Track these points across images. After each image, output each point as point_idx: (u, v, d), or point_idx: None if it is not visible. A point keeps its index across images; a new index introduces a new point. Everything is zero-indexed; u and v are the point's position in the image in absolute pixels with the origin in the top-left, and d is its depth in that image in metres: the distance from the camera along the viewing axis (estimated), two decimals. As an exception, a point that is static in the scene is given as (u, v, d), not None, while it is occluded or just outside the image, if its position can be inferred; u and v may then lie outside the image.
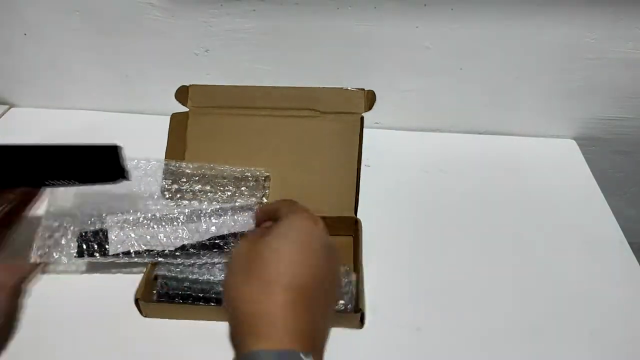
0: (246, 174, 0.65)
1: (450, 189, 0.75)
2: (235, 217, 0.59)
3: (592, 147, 0.88)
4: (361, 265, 0.59)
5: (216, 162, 0.65)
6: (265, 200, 0.65)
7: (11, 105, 0.93)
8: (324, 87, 0.67)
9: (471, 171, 0.78)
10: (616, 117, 0.84)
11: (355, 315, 0.53)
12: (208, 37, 0.78)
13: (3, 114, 0.91)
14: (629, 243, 0.67)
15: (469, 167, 0.79)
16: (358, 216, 0.64)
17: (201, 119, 0.68)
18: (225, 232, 0.58)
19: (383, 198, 0.71)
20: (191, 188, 0.65)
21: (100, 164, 0.50)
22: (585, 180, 0.79)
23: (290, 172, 0.66)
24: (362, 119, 0.66)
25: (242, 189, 0.65)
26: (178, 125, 0.68)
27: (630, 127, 0.85)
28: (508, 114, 0.86)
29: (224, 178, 0.65)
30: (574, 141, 0.87)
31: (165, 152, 0.67)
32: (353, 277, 0.57)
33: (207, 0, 0.74)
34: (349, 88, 0.66)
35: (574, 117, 0.85)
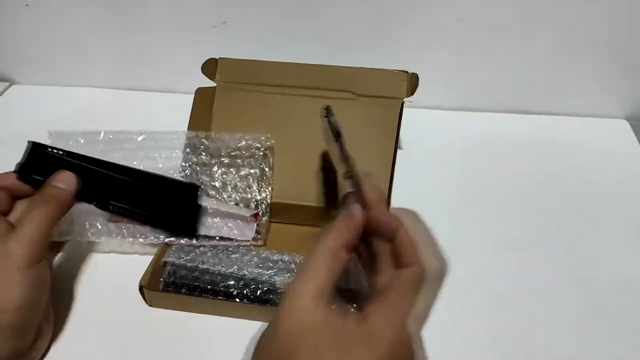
0: (246, 142, 0.61)
1: (492, 174, 0.71)
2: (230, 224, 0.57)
3: (646, 127, 0.82)
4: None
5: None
6: (267, 170, 0.61)
7: (12, 83, 0.90)
8: (362, 67, 0.62)
9: (514, 154, 0.74)
10: (672, 95, 0.79)
11: None
12: (226, 7, 0.75)
13: (3, 91, 0.88)
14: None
15: (512, 149, 0.75)
16: (391, 208, 0.59)
17: (230, 94, 0.64)
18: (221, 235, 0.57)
19: (417, 185, 0.67)
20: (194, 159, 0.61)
21: (178, 204, 0.54)
22: (638, 162, 0.74)
23: (322, 157, 0.62)
24: (402, 104, 0.62)
25: (238, 160, 0.61)
26: (203, 101, 0.64)
27: (688, 107, 0.80)
28: (554, 91, 0.81)
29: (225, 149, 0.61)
30: (626, 121, 0.82)
31: (187, 130, 0.63)
32: None
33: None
34: (392, 69, 0.62)
35: (627, 96, 0.80)
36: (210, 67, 0.65)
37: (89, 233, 0.55)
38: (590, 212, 0.65)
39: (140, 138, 0.59)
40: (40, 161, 0.48)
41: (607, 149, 0.76)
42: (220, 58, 0.65)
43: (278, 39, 0.77)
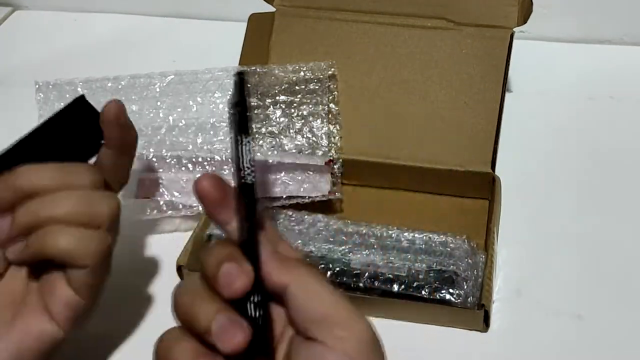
0: (304, 73, 0.55)
1: (625, 124, 0.63)
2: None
3: None
4: (495, 241, 0.49)
5: None
6: (334, 107, 0.55)
7: (15, 7, 0.84)
8: None
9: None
10: None
11: (477, 313, 0.44)
12: None
13: (5, 18, 0.82)
14: None
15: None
16: (496, 170, 0.54)
17: (292, 22, 0.58)
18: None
19: (529, 140, 0.60)
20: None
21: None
22: None
23: (408, 103, 0.55)
24: (512, 35, 0.55)
25: (298, 97, 0.55)
26: (258, 30, 0.58)
27: None
28: None
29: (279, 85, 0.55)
30: None
31: (240, 61, 0.58)
32: (482, 257, 0.48)
33: None
34: None
35: None
36: None
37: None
38: None
39: (166, 81, 0.52)
40: None
41: None
42: None
43: None
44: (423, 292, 0.44)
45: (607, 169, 0.58)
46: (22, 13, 0.84)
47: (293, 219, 0.50)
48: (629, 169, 0.58)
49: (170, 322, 0.28)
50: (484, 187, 0.54)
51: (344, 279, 0.45)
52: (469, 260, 0.46)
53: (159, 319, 0.46)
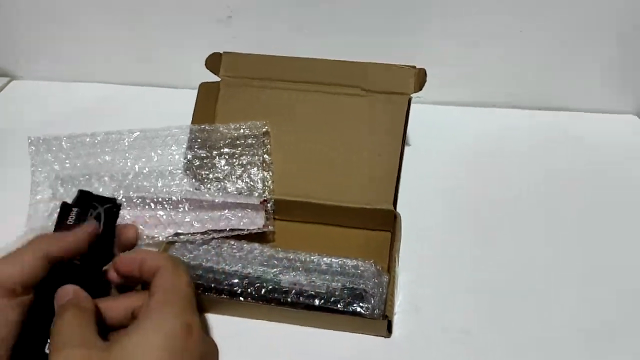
0: (243, 130, 0.62)
1: (502, 172, 0.70)
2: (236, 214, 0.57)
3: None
4: (397, 265, 0.55)
5: None
6: (267, 157, 0.61)
7: (12, 78, 0.90)
8: (371, 62, 0.62)
9: (526, 150, 0.74)
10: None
11: (382, 322, 0.49)
12: (232, 1, 0.75)
13: (3, 87, 0.87)
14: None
15: (524, 147, 0.75)
16: (397, 208, 0.59)
17: (234, 90, 0.64)
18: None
19: (426, 183, 0.67)
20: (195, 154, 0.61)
21: None
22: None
23: (328, 155, 0.62)
24: (409, 100, 0.61)
25: (238, 150, 0.61)
26: (207, 96, 0.64)
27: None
28: (565, 87, 0.81)
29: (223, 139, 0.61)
30: (636, 117, 0.83)
31: (192, 122, 0.64)
32: (385, 278, 0.53)
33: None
34: (400, 64, 0.61)
35: (637, 91, 0.81)
36: (214, 62, 0.64)
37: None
38: (604, 208, 0.65)
39: (132, 137, 0.58)
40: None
41: (618, 144, 0.76)
42: (224, 52, 0.64)
43: (284, 33, 0.77)
44: (339, 306, 0.48)
45: (488, 205, 0.65)
46: (18, 82, 0.89)
47: (235, 247, 0.55)
48: (508, 208, 0.64)
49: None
50: (388, 221, 0.59)
51: (275, 295, 0.50)
52: (375, 280, 0.51)
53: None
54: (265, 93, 0.64)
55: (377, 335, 0.50)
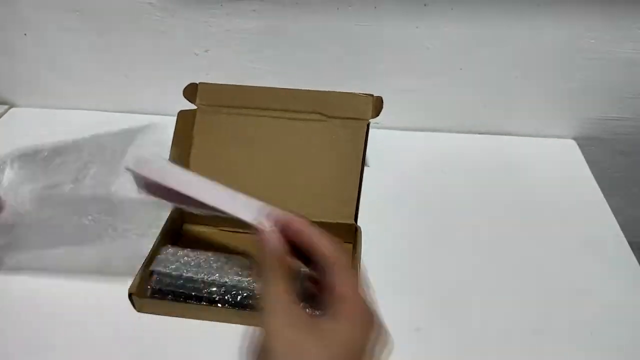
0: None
1: (450, 189, 0.75)
2: None
3: (592, 147, 0.87)
4: (359, 271, 0.59)
5: (221, 162, 0.65)
6: None
7: (11, 105, 0.93)
8: (332, 91, 0.66)
9: (471, 172, 0.78)
10: (616, 117, 0.84)
11: None
12: (208, 37, 0.78)
13: (3, 114, 0.91)
14: (629, 243, 0.67)
15: (470, 167, 0.79)
16: (358, 222, 0.64)
17: (209, 117, 0.67)
18: None
19: (382, 198, 0.71)
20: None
21: None
22: (585, 180, 0.78)
23: (293, 174, 0.66)
24: (368, 125, 0.65)
25: None
26: (185, 123, 0.67)
27: (630, 127, 0.85)
28: (508, 114, 0.86)
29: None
30: (574, 141, 0.87)
31: (170, 150, 0.66)
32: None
33: (207, 0, 0.74)
34: (358, 93, 0.66)
35: (574, 117, 0.85)
36: (191, 92, 0.67)
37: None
38: (541, 227, 0.69)
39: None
40: None
41: (557, 167, 0.81)
42: (200, 83, 0.67)
43: (256, 66, 0.81)
44: None
45: (437, 220, 0.69)
46: (16, 110, 0.92)
47: (212, 258, 0.57)
48: (451, 220, 0.69)
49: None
50: (349, 234, 0.63)
51: (250, 302, 0.54)
52: None
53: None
54: (237, 119, 0.67)
55: None
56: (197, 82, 0.67)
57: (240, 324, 0.55)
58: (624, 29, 0.72)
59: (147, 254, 0.58)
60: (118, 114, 0.90)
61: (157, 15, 0.76)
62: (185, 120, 0.67)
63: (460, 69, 0.79)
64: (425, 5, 0.72)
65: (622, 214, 0.72)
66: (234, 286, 0.55)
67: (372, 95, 0.65)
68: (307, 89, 0.66)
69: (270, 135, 0.67)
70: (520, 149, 0.84)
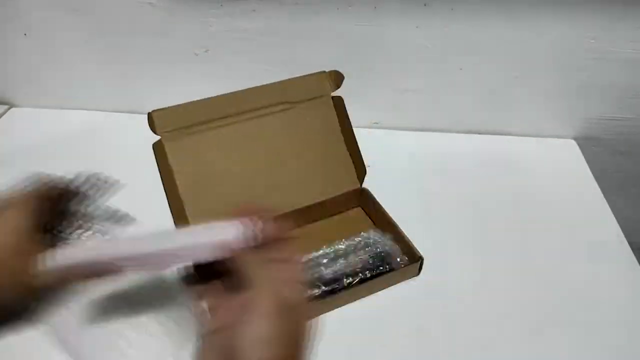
0: None
1: (450, 189, 0.75)
2: None
3: (592, 147, 0.88)
4: (392, 221, 0.62)
5: (210, 180, 0.63)
6: None
7: (11, 105, 0.93)
8: (289, 79, 0.66)
9: (471, 171, 0.78)
10: (616, 117, 0.84)
11: (414, 265, 0.59)
12: (208, 37, 0.79)
13: (3, 114, 0.91)
14: (629, 243, 0.67)
15: (470, 167, 0.79)
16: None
17: (178, 142, 0.62)
18: None
19: (382, 198, 0.70)
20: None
21: None
22: (585, 180, 0.79)
23: (284, 165, 0.66)
24: (338, 98, 0.67)
25: None
26: (160, 153, 0.61)
27: (630, 127, 0.86)
28: (508, 114, 0.86)
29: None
30: (574, 141, 0.87)
31: (162, 182, 0.61)
32: (389, 236, 0.62)
33: (207, 0, 0.74)
34: (313, 73, 0.67)
35: (574, 117, 0.86)
36: (150, 122, 0.61)
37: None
38: (541, 227, 0.70)
39: None
40: None
41: (557, 167, 0.81)
42: (154, 111, 0.61)
43: (256, 65, 0.81)
44: (378, 270, 0.58)
45: (436, 219, 0.70)
46: (16, 110, 0.92)
47: None
48: (450, 219, 0.70)
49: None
50: (356, 199, 0.68)
51: (335, 286, 0.58)
52: (385, 241, 0.62)
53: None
54: (206, 135, 0.63)
55: (408, 279, 0.60)
56: (151, 111, 0.61)
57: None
58: (624, 29, 0.73)
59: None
60: (118, 114, 0.90)
61: (157, 15, 0.76)
62: (159, 152, 0.62)
63: (460, 69, 0.80)
64: (425, 5, 0.72)
65: (622, 214, 0.72)
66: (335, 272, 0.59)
67: (324, 71, 0.67)
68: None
69: (247, 138, 0.65)
70: (520, 148, 0.85)
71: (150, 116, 0.61)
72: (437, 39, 0.76)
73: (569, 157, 0.84)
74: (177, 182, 0.60)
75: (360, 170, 0.66)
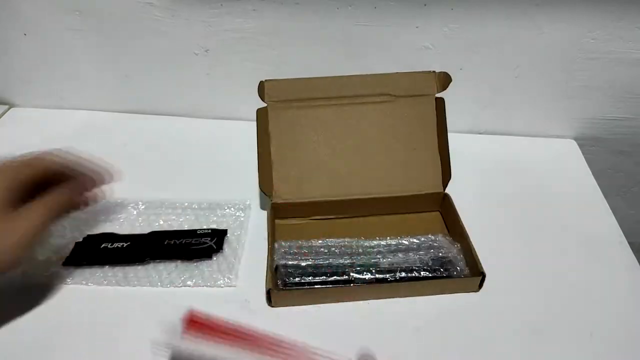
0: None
1: (449, 189, 0.72)
2: None
3: (592, 147, 0.88)
4: (465, 233, 0.62)
5: (301, 153, 0.68)
6: None
7: (11, 105, 0.92)
8: (394, 72, 0.68)
9: (471, 171, 0.78)
10: (616, 117, 0.84)
11: (475, 279, 0.58)
12: (208, 37, 0.78)
13: (3, 114, 0.90)
14: (629, 243, 0.67)
15: (469, 167, 0.78)
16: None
17: (281, 112, 0.68)
18: None
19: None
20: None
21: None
22: (585, 180, 0.79)
23: (374, 156, 0.68)
24: (440, 100, 0.68)
25: None
26: (262, 119, 0.67)
27: (630, 127, 0.86)
28: (508, 114, 0.86)
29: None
30: (574, 141, 0.87)
31: (257, 145, 0.67)
32: (457, 245, 0.62)
33: (207, 0, 0.74)
34: (420, 71, 0.68)
35: (574, 117, 0.86)
36: (261, 90, 0.67)
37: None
38: (541, 227, 0.69)
39: None
40: None
41: (557, 167, 0.81)
42: (266, 80, 0.67)
43: (256, 65, 0.81)
44: (437, 273, 0.59)
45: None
46: (16, 110, 0.92)
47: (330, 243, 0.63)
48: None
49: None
50: (436, 202, 0.69)
51: (386, 276, 0.58)
52: (453, 248, 0.61)
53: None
54: (307, 111, 0.68)
55: (468, 292, 0.59)
56: (264, 80, 0.67)
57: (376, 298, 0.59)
58: (624, 29, 0.73)
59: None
60: (118, 114, 0.90)
61: (157, 15, 0.76)
62: (261, 117, 0.68)
63: (460, 69, 0.79)
64: (425, 5, 0.72)
65: (622, 214, 0.72)
66: (361, 265, 0.60)
67: (434, 72, 0.68)
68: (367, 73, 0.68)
69: (344, 121, 0.68)
70: (520, 148, 0.85)
71: (261, 84, 0.66)
72: (437, 39, 0.76)
73: (569, 157, 0.84)
74: (272, 148, 0.67)
75: (446, 175, 0.67)
